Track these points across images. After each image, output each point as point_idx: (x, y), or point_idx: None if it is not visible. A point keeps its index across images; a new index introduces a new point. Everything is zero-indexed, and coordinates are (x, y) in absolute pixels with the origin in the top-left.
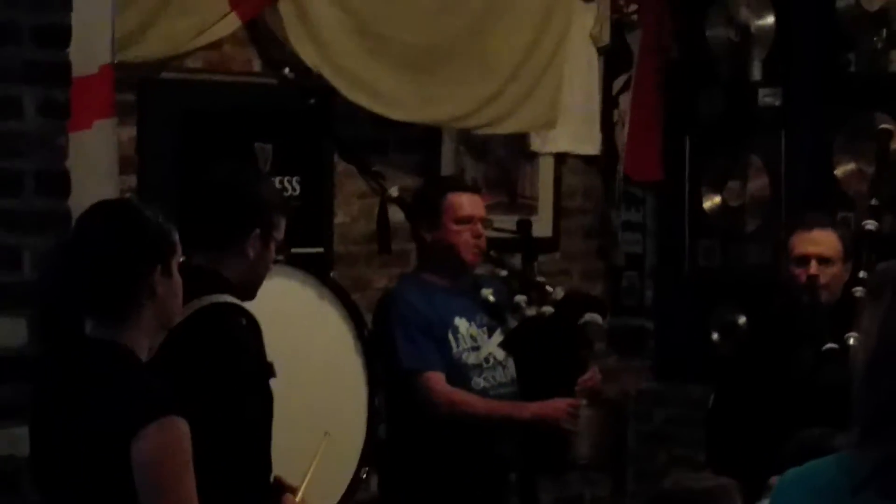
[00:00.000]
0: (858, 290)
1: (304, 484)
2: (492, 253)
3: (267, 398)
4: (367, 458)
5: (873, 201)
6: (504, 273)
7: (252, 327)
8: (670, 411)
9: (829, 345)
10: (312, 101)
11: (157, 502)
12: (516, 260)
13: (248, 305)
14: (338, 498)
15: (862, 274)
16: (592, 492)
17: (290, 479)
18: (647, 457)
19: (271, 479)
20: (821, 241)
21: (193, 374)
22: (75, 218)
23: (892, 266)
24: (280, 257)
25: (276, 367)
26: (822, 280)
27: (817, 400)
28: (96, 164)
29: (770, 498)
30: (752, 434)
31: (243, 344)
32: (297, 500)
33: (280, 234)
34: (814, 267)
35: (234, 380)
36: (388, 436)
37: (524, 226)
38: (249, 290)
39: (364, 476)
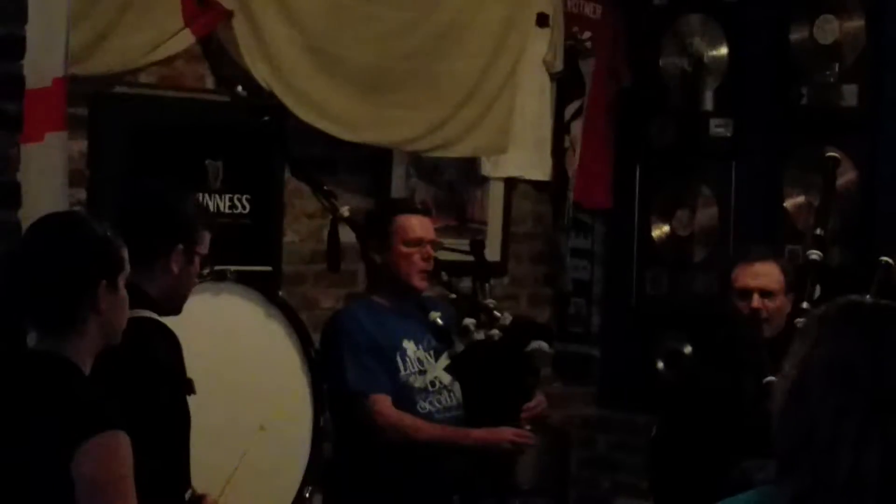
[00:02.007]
0: (801, 322)
1: (227, 484)
2: (443, 275)
3: (183, 414)
4: (311, 477)
5: (818, 231)
6: (453, 296)
7: (170, 343)
8: (614, 438)
9: (770, 377)
10: (266, 118)
11: None
12: (466, 283)
13: (191, 322)
14: None
15: (805, 305)
16: None
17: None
18: (589, 483)
19: (188, 495)
20: (763, 274)
21: (106, 387)
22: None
23: (823, 309)
24: (206, 271)
25: (222, 385)
26: (765, 313)
27: (758, 431)
28: (47, 176)
29: None
30: (694, 463)
31: (156, 360)
32: (219, 500)
33: (204, 249)
34: (756, 300)
35: (145, 395)
36: (333, 456)
37: (477, 246)
38: (173, 305)
39: (308, 495)
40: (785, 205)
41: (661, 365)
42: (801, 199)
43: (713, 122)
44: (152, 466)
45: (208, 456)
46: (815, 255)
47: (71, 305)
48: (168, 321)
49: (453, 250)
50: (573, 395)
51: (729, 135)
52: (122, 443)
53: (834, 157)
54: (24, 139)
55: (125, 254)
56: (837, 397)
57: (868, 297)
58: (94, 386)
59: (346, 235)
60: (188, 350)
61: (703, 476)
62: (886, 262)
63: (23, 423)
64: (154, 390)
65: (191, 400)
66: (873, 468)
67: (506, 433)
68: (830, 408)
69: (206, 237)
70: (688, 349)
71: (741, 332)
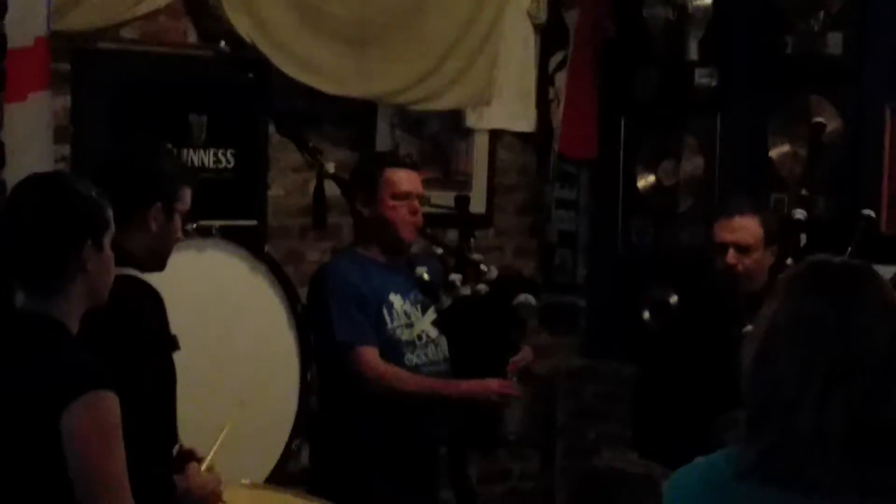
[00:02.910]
0: None
1: (212, 452)
2: (428, 230)
3: (168, 370)
4: (298, 429)
5: (804, 191)
6: (439, 251)
7: (152, 300)
8: (600, 388)
9: (748, 327)
10: (251, 75)
11: (87, 475)
12: (451, 236)
13: (177, 278)
14: (269, 469)
15: (789, 261)
16: (521, 467)
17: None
18: (576, 433)
19: (175, 450)
20: (740, 228)
21: (91, 345)
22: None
23: (792, 268)
24: (192, 226)
25: (209, 340)
26: (740, 268)
27: (736, 383)
28: (31, 136)
29: (664, 494)
30: (676, 414)
31: (138, 316)
32: (204, 468)
33: (185, 205)
34: (731, 255)
35: (128, 352)
36: (320, 408)
37: (462, 202)
38: (156, 263)
39: (295, 448)
40: (770, 154)
41: (646, 315)
42: (785, 147)
43: (698, 72)
44: (138, 423)
45: (196, 411)
46: (800, 214)
47: (57, 265)
48: (154, 277)
49: (439, 206)
50: (559, 345)
51: (714, 84)
52: (111, 402)
53: (821, 123)
54: (7, 99)
55: (110, 213)
56: (802, 357)
57: (849, 250)
58: (81, 345)
59: (331, 189)
60: (175, 306)
61: (685, 427)
62: (868, 214)
63: (10, 382)
64: (137, 347)
65: (178, 356)
66: (835, 427)
67: (492, 385)
68: (795, 367)
69: (187, 193)
70: (673, 299)
71: (720, 285)
